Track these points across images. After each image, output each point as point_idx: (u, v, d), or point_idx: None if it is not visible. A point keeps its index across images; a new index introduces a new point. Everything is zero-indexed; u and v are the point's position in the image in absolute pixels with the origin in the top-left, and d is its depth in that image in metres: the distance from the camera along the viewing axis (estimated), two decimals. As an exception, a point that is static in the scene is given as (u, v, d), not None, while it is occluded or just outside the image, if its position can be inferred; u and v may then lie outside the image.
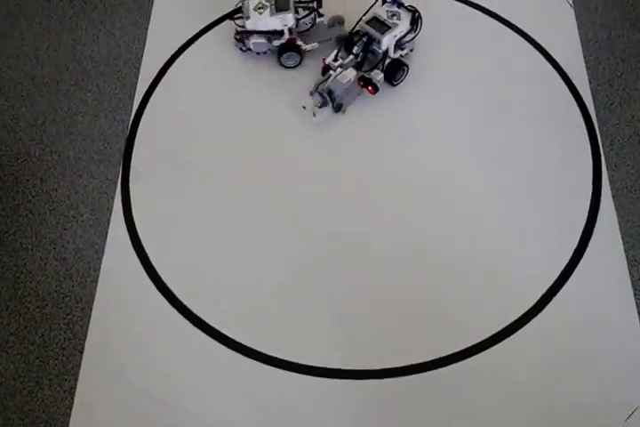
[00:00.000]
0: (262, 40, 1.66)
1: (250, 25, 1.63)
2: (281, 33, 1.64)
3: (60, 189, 1.58)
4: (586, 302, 1.40)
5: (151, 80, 1.74)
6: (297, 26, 1.65)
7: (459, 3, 1.84)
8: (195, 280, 1.44)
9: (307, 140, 1.61)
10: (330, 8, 1.70)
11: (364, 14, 1.61)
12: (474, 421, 1.30)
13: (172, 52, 1.78)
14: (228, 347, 1.37)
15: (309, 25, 1.68)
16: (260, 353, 1.36)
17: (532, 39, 1.76)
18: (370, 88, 1.59)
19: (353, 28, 1.63)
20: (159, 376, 1.35)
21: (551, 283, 1.42)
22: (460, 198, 1.53)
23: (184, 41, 1.80)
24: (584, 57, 1.73)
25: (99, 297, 1.43)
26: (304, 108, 1.59)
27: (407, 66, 1.64)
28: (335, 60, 1.60)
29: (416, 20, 1.60)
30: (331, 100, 1.58)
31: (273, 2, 1.60)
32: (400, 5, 1.59)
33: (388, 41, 1.56)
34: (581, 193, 1.53)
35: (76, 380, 1.35)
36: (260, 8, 1.60)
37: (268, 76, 1.72)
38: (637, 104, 1.67)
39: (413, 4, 1.61)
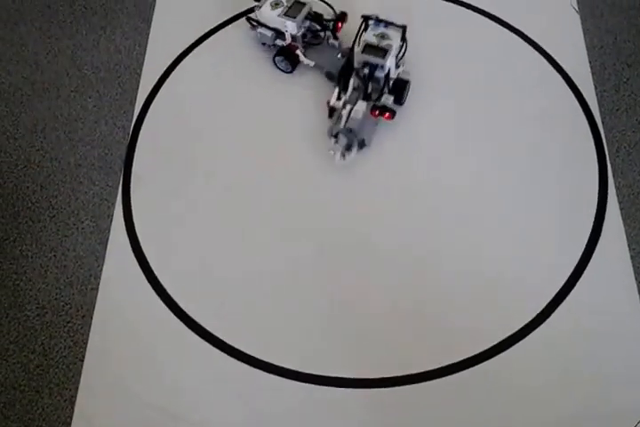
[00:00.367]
0: (267, 33, 1.69)
1: (258, 15, 1.66)
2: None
3: (60, 195, 1.59)
4: (592, 309, 1.41)
5: (152, 86, 1.75)
6: (305, 37, 1.67)
7: (462, 7, 1.85)
8: (196, 287, 1.45)
9: (309, 146, 1.62)
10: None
11: (351, 48, 1.59)
12: (480, 430, 1.31)
13: (174, 57, 1.80)
14: (230, 355, 1.38)
15: (315, 41, 1.71)
16: (262, 361, 1.37)
17: (538, 45, 1.77)
18: (387, 115, 1.55)
19: (345, 64, 1.60)
20: (160, 385, 1.35)
21: (557, 290, 1.43)
22: (466, 206, 1.54)
23: (185, 47, 1.81)
24: (589, 62, 1.75)
25: (99, 305, 1.44)
26: (333, 153, 1.55)
27: (409, 82, 1.62)
28: (338, 98, 1.58)
29: (405, 33, 1.58)
30: (353, 138, 1.54)
31: (289, 5, 1.63)
32: (387, 24, 1.58)
33: (390, 63, 1.55)
34: (587, 200, 1.54)
35: (77, 389, 1.35)
36: (276, 4, 1.63)
37: (271, 83, 1.73)
38: (644, 110, 1.68)
39: (392, 20, 1.59)
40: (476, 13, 1.84)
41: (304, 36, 1.67)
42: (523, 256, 1.47)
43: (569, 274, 1.45)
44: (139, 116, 1.70)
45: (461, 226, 1.51)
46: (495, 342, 1.37)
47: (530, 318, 1.40)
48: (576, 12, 1.84)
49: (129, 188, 1.59)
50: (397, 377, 1.35)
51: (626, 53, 1.77)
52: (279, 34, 1.68)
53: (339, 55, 1.68)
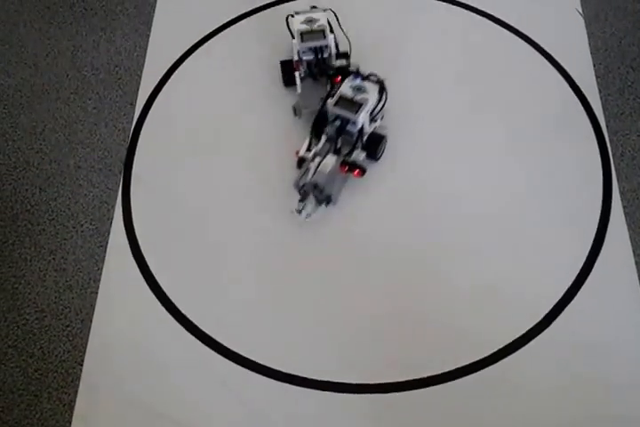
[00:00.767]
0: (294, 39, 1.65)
1: (291, 22, 1.65)
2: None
3: (59, 198, 1.60)
4: (595, 315, 1.41)
5: (153, 88, 1.76)
6: (310, 66, 1.64)
7: (464, 10, 1.86)
8: (196, 291, 1.46)
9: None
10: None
11: (326, 97, 1.53)
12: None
13: (174, 59, 1.81)
14: (229, 359, 1.38)
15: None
16: (261, 365, 1.37)
17: (542, 48, 1.78)
18: (356, 172, 1.50)
19: (319, 113, 1.54)
20: (160, 389, 1.36)
21: (560, 296, 1.43)
22: (469, 211, 1.55)
23: (186, 48, 1.82)
24: (594, 66, 1.76)
25: (99, 308, 1.45)
26: (295, 212, 1.48)
27: (386, 137, 1.57)
28: (309, 149, 1.52)
29: (383, 88, 1.53)
30: (318, 193, 1.48)
31: (310, 29, 1.60)
32: (364, 78, 1.53)
33: (362, 119, 1.49)
34: (591, 205, 1.55)
35: (76, 393, 1.36)
36: (309, 21, 1.61)
37: (272, 86, 1.74)
38: (648, 114, 1.69)
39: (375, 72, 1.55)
40: (478, 16, 1.85)
41: (309, 65, 1.63)
42: (525, 261, 1.48)
43: (572, 280, 1.45)
44: (139, 119, 1.71)
45: (465, 233, 1.52)
46: (497, 349, 1.38)
47: (532, 325, 1.40)
48: (580, 15, 1.85)
49: (129, 190, 1.60)
50: (398, 383, 1.35)
51: (630, 57, 1.78)
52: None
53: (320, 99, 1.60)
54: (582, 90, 1.71)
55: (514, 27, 1.83)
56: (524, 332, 1.39)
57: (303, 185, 1.47)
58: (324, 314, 1.43)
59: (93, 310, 1.45)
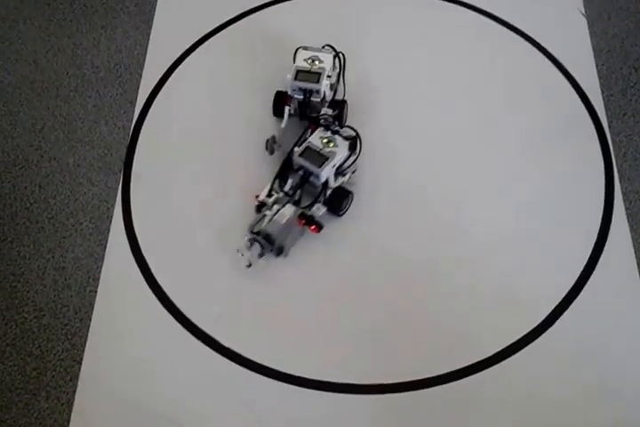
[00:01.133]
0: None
1: (298, 53, 1.61)
2: None
3: (58, 196, 1.60)
4: (597, 317, 1.42)
5: (153, 86, 1.76)
6: (301, 107, 1.60)
7: (467, 9, 1.87)
8: (196, 290, 1.46)
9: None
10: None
11: (295, 144, 1.50)
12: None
13: (175, 57, 1.81)
14: (229, 358, 1.39)
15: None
16: (262, 366, 1.37)
17: (544, 49, 1.79)
18: (313, 227, 1.44)
19: (285, 160, 1.51)
20: (159, 389, 1.36)
21: (561, 298, 1.43)
22: (469, 213, 1.55)
23: (187, 47, 1.83)
24: (596, 66, 1.76)
25: (98, 307, 1.45)
26: (241, 255, 1.44)
27: (352, 193, 1.51)
28: (269, 195, 1.47)
29: (355, 144, 1.51)
30: (269, 243, 1.42)
31: (309, 69, 1.56)
32: (335, 132, 1.49)
33: (326, 173, 1.45)
34: (593, 206, 1.55)
35: (74, 392, 1.36)
36: (312, 61, 1.57)
37: (273, 85, 1.73)
38: (651, 115, 1.69)
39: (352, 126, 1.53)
40: (480, 15, 1.86)
41: (298, 103, 1.59)
42: (527, 262, 1.48)
43: (574, 281, 1.45)
44: (139, 117, 1.71)
45: (468, 234, 1.52)
46: (497, 351, 1.38)
47: (532, 327, 1.40)
48: (583, 15, 1.86)
49: (129, 189, 1.60)
50: (398, 384, 1.35)
51: (633, 57, 1.79)
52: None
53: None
54: (585, 90, 1.72)
55: (516, 27, 1.83)
56: (524, 334, 1.39)
57: (257, 232, 1.42)
58: (324, 315, 1.43)
59: (92, 308, 1.45)
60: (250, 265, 1.43)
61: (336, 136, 1.48)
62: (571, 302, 1.43)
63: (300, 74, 1.55)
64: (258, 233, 1.42)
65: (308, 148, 1.46)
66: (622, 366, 1.36)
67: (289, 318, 1.43)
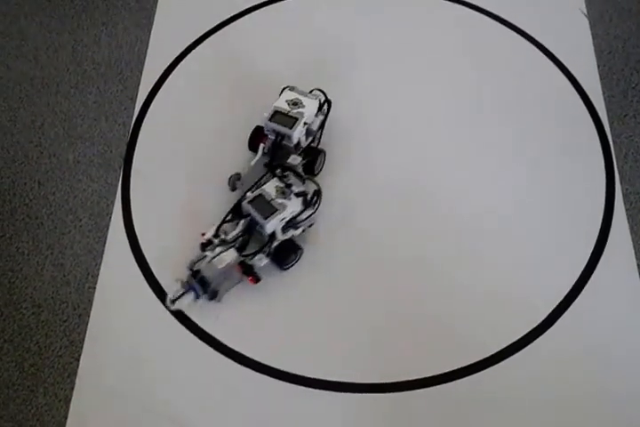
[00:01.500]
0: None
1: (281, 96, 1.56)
2: None
3: (58, 192, 1.60)
4: (596, 319, 1.42)
5: (154, 83, 1.77)
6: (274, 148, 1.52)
7: (470, 9, 1.88)
8: (195, 288, 1.46)
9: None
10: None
11: (251, 188, 1.47)
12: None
13: (176, 54, 1.82)
14: (229, 357, 1.39)
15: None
16: (264, 365, 1.38)
17: (546, 49, 1.80)
18: (250, 278, 1.40)
19: (237, 203, 1.46)
20: (157, 386, 1.37)
21: (560, 299, 1.44)
22: (469, 212, 1.56)
23: (188, 43, 1.83)
24: (598, 67, 1.77)
25: (96, 304, 1.45)
26: (172, 295, 1.38)
27: (301, 249, 1.47)
28: (216, 235, 1.42)
29: (310, 201, 1.45)
30: (203, 286, 1.37)
31: (287, 111, 1.50)
32: (289, 186, 1.44)
33: (273, 226, 1.40)
34: (594, 207, 1.56)
35: (72, 389, 1.36)
36: (294, 104, 1.52)
37: (274, 84, 1.73)
38: (652, 116, 1.70)
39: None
40: (482, 15, 1.86)
41: (272, 146, 1.52)
42: (527, 263, 1.49)
43: (574, 282, 1.46)
44: (139, 114, 1.72)
45: (468, 235, 1.52)
46: (496, 351, 1.38)
47: (532, 328, 1.41)
48: (585, 16, 1.86)
49: (129, 186, 1.61)
50: (401, 382, 1.36)
51: (635, 59, 1.79)
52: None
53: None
54: (586, 91, 1.72)
55: (518, 27, 1.84)
56: (524, 334, 1.40)
57: (197, 271, 1.38)
58: (324, 315, 1.43)
59: (91, 305, 1.45)
60: (173, 304, 1.38)
61: (291, 189, 1.43)
62: (571, 303, 1.43)
63: (277, 115, 1.50)
64: (195, 274, 1.37)
65: (260, 195, 1.42)
66: (622, 366, 1.37)
67: (289, 318, 1.43)
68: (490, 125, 1.68)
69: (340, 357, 1.38)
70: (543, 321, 1.41)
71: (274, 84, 1.66)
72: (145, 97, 1.74)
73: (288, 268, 1.47)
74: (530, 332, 1.40)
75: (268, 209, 1.39)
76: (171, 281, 1.41)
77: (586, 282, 1.46)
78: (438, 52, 1.80)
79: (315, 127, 1.55)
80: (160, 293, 1.45)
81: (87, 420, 1.34)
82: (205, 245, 1.41)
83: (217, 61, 1.80)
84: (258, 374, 1.36)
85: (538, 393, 1.34)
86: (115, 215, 1.56)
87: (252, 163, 1.52)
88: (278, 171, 1.47)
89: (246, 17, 1.86)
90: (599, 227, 1.53)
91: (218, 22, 1.87)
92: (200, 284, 1.36)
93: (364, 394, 1.35)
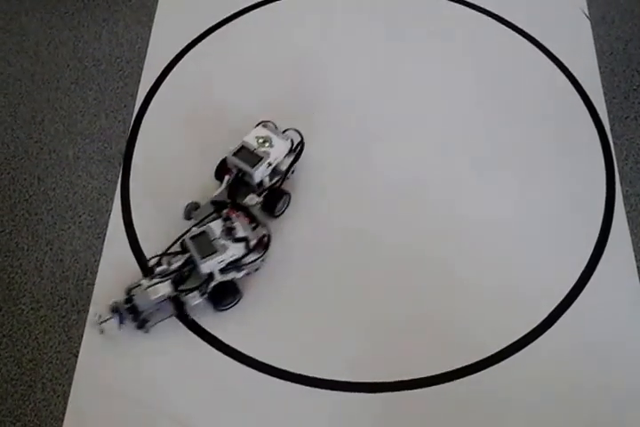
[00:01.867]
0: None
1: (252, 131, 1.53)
2: None
3: (57, 188, 1.61)
4: (596, 319, 1.43)
5: (154, 80, 1.78)
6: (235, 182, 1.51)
7: (472, 10, 1.89)
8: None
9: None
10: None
11: (198, 224, 1.46)
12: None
13: (177, 51, 1.83)
14: (227, 355, 1.40)
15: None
16: (264, 364, 1.39)
17: (547, 50, 1.81)
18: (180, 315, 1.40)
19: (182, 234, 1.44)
20: (155, 383, 1.38)
21: (560, 300, 1.45)
22: (472, 213, 1.57)
23: (189, 41, 1.85)
24: (599, 68, 1.78)
25: (95, 300, 1.46)
26: (96, 317, 1.38)
27: (240, 293, 1.43)
28: (159, 264, 1.41)
29: (253, 247, 1.41)
30: (134, 314, 1.36)
31: (253, 148, 1.47)
32: (230, 230, 1.40)
33: (209, 267, 1.37)
34: (594, 208, 1.57)
35: (70, 384, 1.37)
36: (263, 142, 1.48)
37: (274, 83, 1.76)
38: (653, 118, 1.71)
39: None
40: (484, 16, 1.88)
41: (234, 181, 1.50)
42: (527, 265, 1.50)
43: (573, 283, 1.47)
44: (139, 111, 1.73)
45: (468, 235, 1.54)
46: (497, 351, 1.40)
47: (532, 328, 1.42)
48: (587, 17, 1.87)
49: (128, 182, 1.62)
50: (401, 382, 1.37)
51: (636, 60, 1.81)
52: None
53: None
54: (587, 93, 1.74)
55: (520, 28, 1.86)
56: (524, 334, 1.41)
57: (131, 297, 1.37)
58: (325, 315, 1.45)
59: (90, 301, 1.46)
60: (102, 332, 1.38)
61: (233, 232, 1.40)
62: (571, 304, 1.45)
63: (242, 151, 1.47)
64: (129, 300, 1.36)
65: (203, 233, 1.39)
66: (622, 366, 1.38)
67: (289, 317, 1.44)
68: (490, 126, 1.69)
69: (340, 356, 1.40)
70: (543, 321, 1.43)
71: (274, 84, 1.68)
72: (145, 94, 1.76)
73: (223, 310, 1.43)
74: (530, 332, 1.42)
75: (208, 249, 1.37)
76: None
77: (586, 283, 1.47)
78: (436, 59, 1.81)
79: (283, 167, 1.52)
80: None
81: (85, 416, 1.35)
82: (149, 272, 1.40)
83: (218, 59, 1.82)
84: (257, 372, 1.38)
85: (538, 393, 1.36)
86: (114, 212, 1.58)
87: (215, 193, 1.49)
88: (224, 212, 1.43)
89: (247, 15, 1.88)
90: (599, 228, 1.54)
91: (219, 20, 1.88)
92: (130, 311, 1.36)
93: (364, 393, 1.36)
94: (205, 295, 1.39)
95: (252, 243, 1.40)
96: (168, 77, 1.78)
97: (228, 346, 1.41)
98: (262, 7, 1.91)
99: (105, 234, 1.55)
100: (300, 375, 1.37)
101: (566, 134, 1.68)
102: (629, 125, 1.70)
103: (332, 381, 1.37)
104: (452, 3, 1.90)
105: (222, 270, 1.39)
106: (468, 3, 1.90)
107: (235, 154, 1.47)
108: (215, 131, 1.68)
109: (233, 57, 1.82)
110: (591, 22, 1.87)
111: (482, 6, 1.89)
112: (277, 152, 1.48)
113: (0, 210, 1.59)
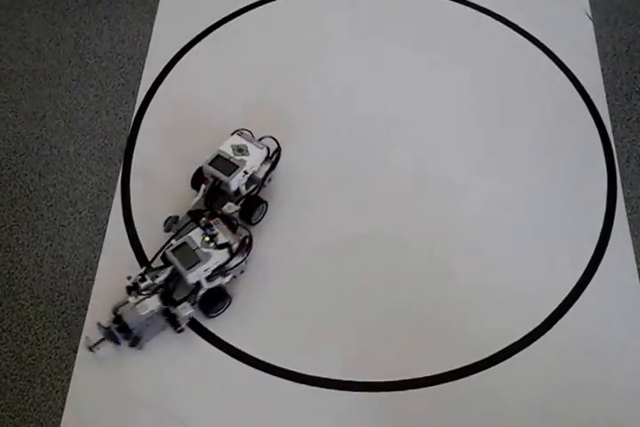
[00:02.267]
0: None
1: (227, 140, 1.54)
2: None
3: (58, 184, 1.63)
4: (596, 321, 1.45)
5: (155, 77, 1.80)
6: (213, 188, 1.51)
7: (474, 10, 1.91)
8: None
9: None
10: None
11: (175, 236, 1.44)
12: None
13: (178, 48, 1.85)
14: (228, 353, 1.42)
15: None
16: (265, 363, 1.40)
17: (550, 51, 1.83)
18: (174, 327, 1.40)
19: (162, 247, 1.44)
20: (153, 378, 1.39)
21: (561, 301, 1.47)
22: (472, 213, 1.58)
23: (191, 38, 1.86)
24: (602, 70, 1.80)
25: (94, 296, 1.48)
26: (86, 338, 1.38)
27: (230, 298, 1.44)
28: (143, 279, 1.38)
29: (236, 251, 1.41)
30: (125, 333, 1.36)
31: (229, 157, 1.48)
32: (212, 237, 1.40)
33: (195, 276, 1.37)
34: (595, 210, 1.58)
35: (69, 380, 1.39)
36: (239, 150, 1.50)
37: (275, 83, 1.78)
38: (655, 120, 1.73)
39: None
40: (487, 16, 1.90)
41: (210, 190, 1.51)
42: (528, 266, 1.52)
43: (574, 284, 1.49)
44: (140, 107, 1.75)
45: (469, 236, 1.55)
46: (497, 351, 1.41)
47: (533, 328, 1.44)
48: (590, 19, 1.89)
49: (128, 179, 1.64)
50: (400, 381, 1.38)
51: (639, 62, 1.83)
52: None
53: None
54: (589, 94, 1.75)
55: (523, 29, 1.87)
56: (525, 334, 1.43)
57: (119, 316, 1.36)
58: (324, 314, 1.46)
59: (89, 297, 1.48)
60: (91, 349, 1.37)
61: (215, 239, 1.40)
62: (571, 305, 1.46)
63: (218, 160, 1.49)
64: (118, 319, 1.36)
65: (184, 244, 1.39)
66: (622, 366, 1.40)
67: (289, 317, 1.46)
68: (490, 127, 1.71)
69: (340, 356, 1.41)
70: (544, 322, 1.44)
71: (274, 83, 1.69)
72: (146, 91, 1.77)
73: (215, 316, 1.44)
74: (530, 332, 1.43)
75: (191, 259, 1.36)
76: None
77: (587, 284, 1.49)
78: (437, 61, 1.82)
79: (260, 175, 1.53)
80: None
81: (83, 411, 1.36)
82: (131, 289, 1.39)
83: (220, 56, 1.83)
84: (260, 372, 1.39)
85: (538, 393, 1.37)
86: (114, 209, 1.59)
87: (193, 203, 1.50)
88: (202, 220, 1.43)
89: (248, 13, 1.90)
90: (600, 230, 1.56)
91: (222, 17, 1.90)
92: (121, 330, 1.36)
93: (364, 393, 1.37)
94: (195, 304, 1.39)
95: (235, 246, 1.41)
96: (169, 74, 1.80)
97: (228, 345, 1.42)
98: (267, 4, 1.93)
99: (105, 230, 1.56)
100: (302, 375, 1.39)
101: (568, 136, 1.69)
102: (631, 127, 1.71)
103: (332, 380, 1.38)
104: (452, 2, 1.92)
105: (208, 278, 1.40)
106: (468, 2, 1.91)
107: (210, 163, 1.48)
108: (216, 128, 1.65)
109: (236, 55, 1.83)
110: (594, 24, 1.89)
111: (483, 6, 1.91)
112: (253, 160, 1.49)
113: (0, 205, 1.60)
